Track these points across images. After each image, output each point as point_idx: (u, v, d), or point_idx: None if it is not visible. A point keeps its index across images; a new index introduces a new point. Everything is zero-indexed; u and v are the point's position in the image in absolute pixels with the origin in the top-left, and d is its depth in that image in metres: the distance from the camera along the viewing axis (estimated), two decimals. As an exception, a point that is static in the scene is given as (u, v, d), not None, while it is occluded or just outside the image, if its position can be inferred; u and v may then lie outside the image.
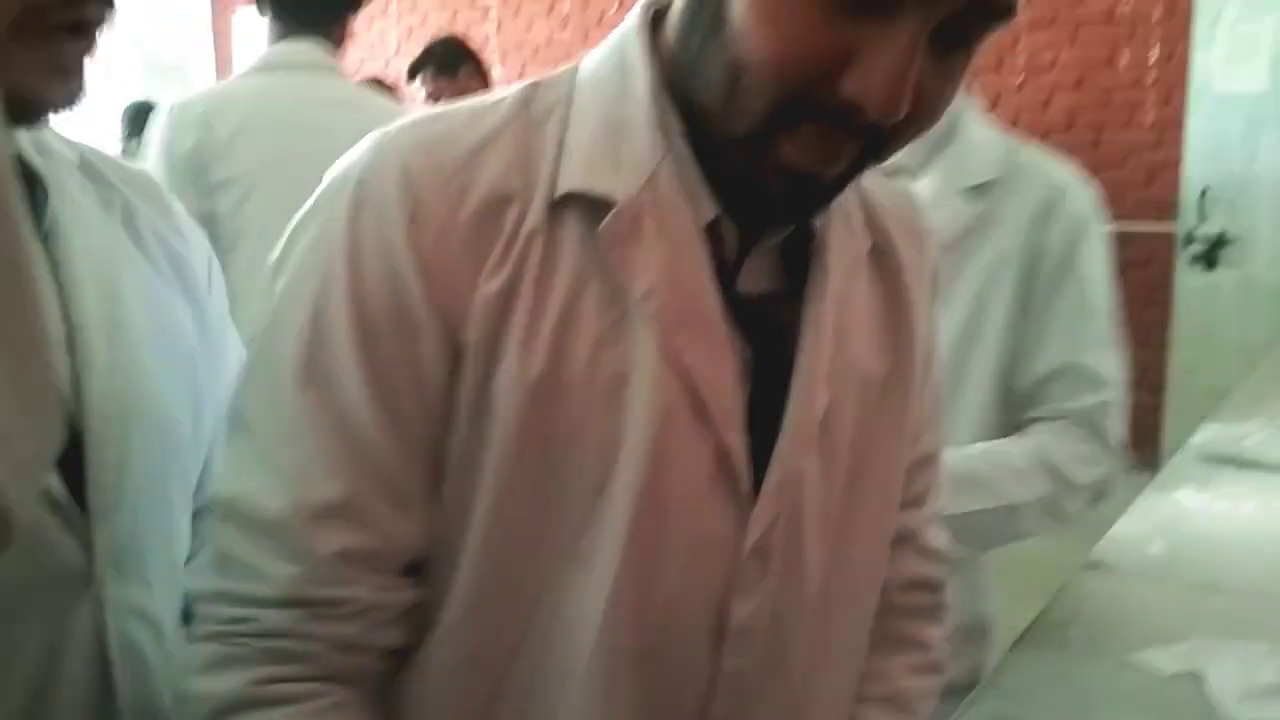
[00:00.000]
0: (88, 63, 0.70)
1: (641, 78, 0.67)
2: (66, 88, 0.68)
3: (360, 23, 2.21)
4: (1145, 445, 4.97)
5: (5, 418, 0.28)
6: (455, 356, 0.64)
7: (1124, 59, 4.91)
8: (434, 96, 3.38)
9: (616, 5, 6.18)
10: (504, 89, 0.70)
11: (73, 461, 0.70)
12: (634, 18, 0.70)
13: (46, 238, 0.75)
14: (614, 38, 0.70)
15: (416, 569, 0.67)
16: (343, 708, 0.65)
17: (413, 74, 3.46)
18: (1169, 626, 1.32)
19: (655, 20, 0.69)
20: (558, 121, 0.67)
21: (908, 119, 0.59)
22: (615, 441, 0.64)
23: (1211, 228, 4.59)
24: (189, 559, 0.81)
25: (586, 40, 6.29)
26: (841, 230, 0.74)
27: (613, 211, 0.64)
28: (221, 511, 0.65)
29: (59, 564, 0.70)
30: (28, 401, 0.30)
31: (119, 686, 0.73)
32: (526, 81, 0.71)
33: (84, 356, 0.72)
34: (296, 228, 0.68)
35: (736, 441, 0.67)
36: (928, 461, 0.85)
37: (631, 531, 0.64)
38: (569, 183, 0.65)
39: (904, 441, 0.78)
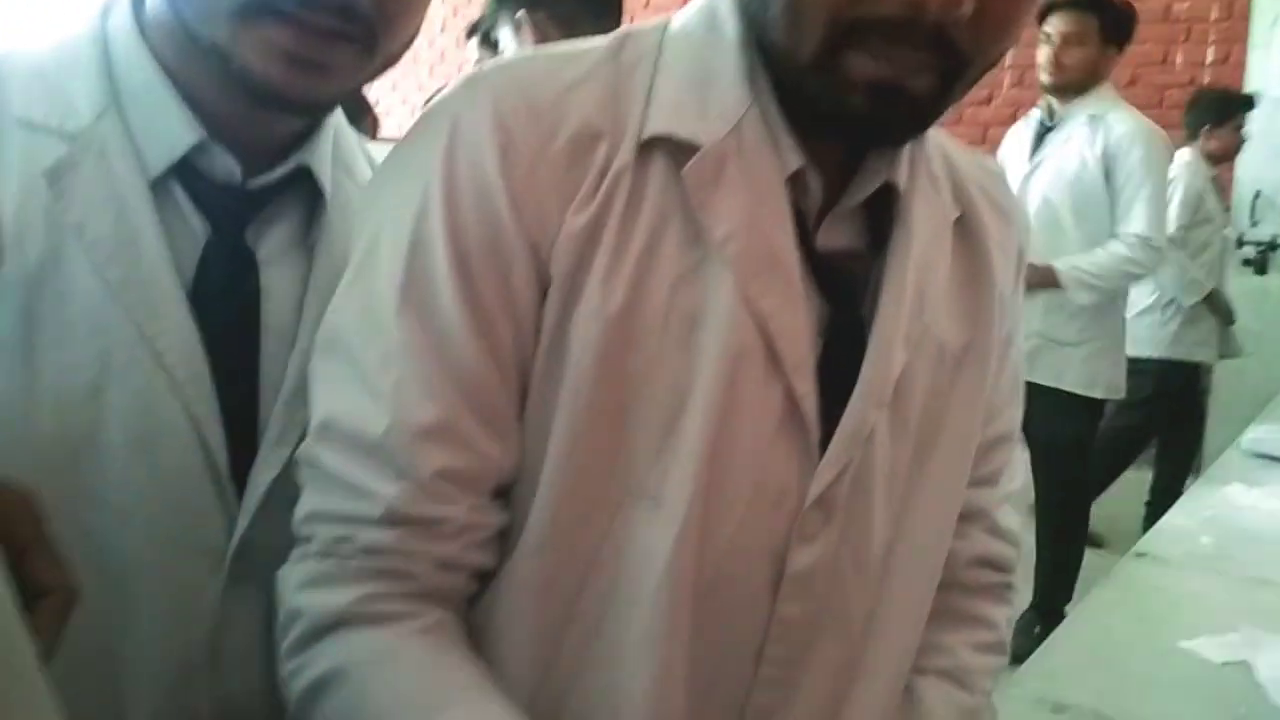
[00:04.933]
0: (342, 61, 0.70)
1: (730, 30, 0.69)
2: (298, 77, 0.69)
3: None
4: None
5: None
6: (543, 287, 0.65)
7: (1179, 58, 4.85)
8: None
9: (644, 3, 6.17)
10: (598, 38, 0.72)
11: (244, 460, 0.73)
12: None
13: (312, 249, 0.77)
14: None
15: (504, 493, 0.69)
16: (441, 627, 0.67)
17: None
18: (1218, 617, 1.32)
19: None
20: (647, 68, 0.69)
21: (977, 31, 0.60)
22: (687, 381, 0.66)
23: (1263, 232, 4.53)
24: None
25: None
26: (928, 196, 0.74)
27: (698, 154, 0.66)
28: (320, 433, 0.67)
29: (202, 539, 0.72)
30: None
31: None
32: (619, 30, 0.73)
33: (268, 372, 0.74)
34: (391, 159, 0.70)
35: (806, 389, 0.68)
36: (1002, 441, 0.85)
37: (699, 471, 0.66)
38: (656, 125, 0.66)
39: (976, 416, 0.78)
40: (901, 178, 0.72)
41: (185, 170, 0.72)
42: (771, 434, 0.68)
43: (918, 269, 0.72)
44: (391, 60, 0.75)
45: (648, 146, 0.66)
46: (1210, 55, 4.80)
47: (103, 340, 0.68)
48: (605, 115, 0.67)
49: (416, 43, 0.78)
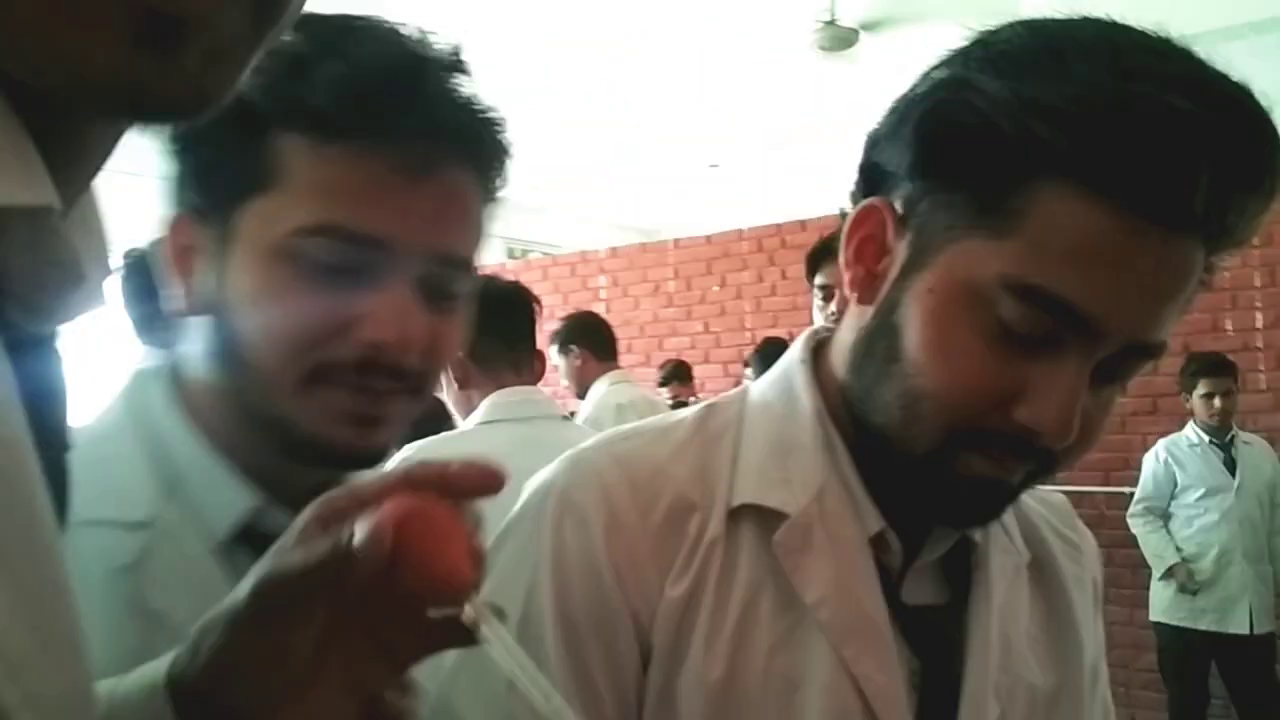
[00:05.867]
0: (396, 412, 0.73)
1: (807, 403, 0.74)
2: (360, 437, 0.72)
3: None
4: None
5: (17, 648, 0.29)
6: (645, 655, 0.68)
7: (1229, 325, 4.91)
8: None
9: (719, 284, 6.46)
10: (683, 411, 0.78)
11: None
12: (797, 350, 0.77)
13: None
14: (779, 368, 0.78)
15: None
16: None
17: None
18: None
19: (815, 350, 0.77)
20: (731, 439, 0.74)
21: (1074, 442, 0.64)
22: None
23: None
24: None
25: (689, 317, 6.53)
26: (1001, 543, 0.76)
27: (786, 523, 0.69)
28: None
29: None
30: (43, 639, 0.30)
31: None
32: (702, 404, 0.79)
33: None
34: (501, 536, 0.73)
35: None
36: None
37: None
38: (744, 495, 0.71)
39: None
40: (976, 531, 0.74)
41: (249, 534, 0.74)
42: None
43: (1000, 618, 0.73)
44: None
45: (736, 515, 0.70)
46: (1260, 320, 4.85)
47: None
48: (696, 487, 0.71)
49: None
